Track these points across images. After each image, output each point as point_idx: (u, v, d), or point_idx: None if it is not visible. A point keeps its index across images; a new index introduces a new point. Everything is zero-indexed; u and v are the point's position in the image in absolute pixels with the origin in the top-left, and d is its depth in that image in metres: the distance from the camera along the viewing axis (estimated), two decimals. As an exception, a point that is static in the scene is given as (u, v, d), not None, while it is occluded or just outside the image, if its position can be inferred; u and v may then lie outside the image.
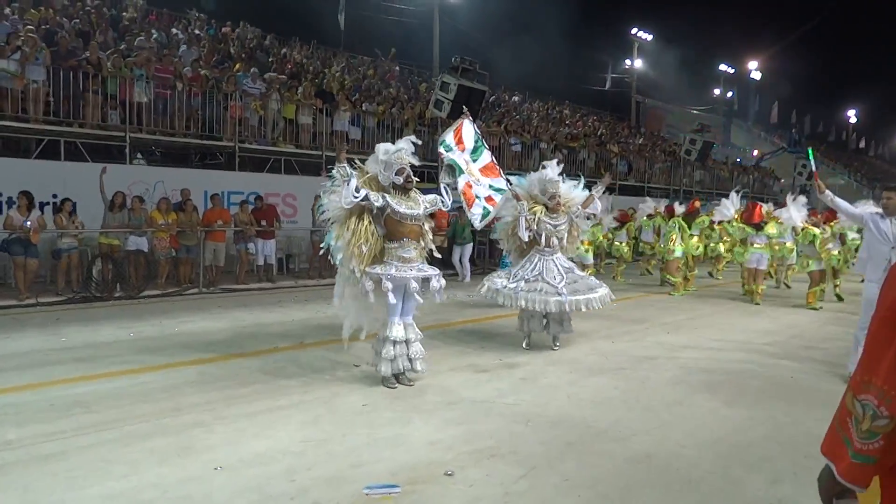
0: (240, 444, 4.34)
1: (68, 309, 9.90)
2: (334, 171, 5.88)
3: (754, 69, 48.53)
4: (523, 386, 6.01)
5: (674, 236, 12.98)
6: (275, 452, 4.22)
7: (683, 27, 43.54)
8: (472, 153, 7.38)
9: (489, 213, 7.31)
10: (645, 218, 15.34)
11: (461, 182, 7.10)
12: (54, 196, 11.93)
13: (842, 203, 6.87)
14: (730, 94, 47.87)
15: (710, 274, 16.03)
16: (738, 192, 13.63)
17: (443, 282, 6.08)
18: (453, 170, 7.13)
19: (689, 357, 7.36)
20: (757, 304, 11.71)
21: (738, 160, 39.77)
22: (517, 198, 7.49)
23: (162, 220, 11.78)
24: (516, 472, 4.04)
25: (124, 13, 19.16)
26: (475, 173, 7.26)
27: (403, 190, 5.94)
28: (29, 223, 10.37)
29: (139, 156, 16.11)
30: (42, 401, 5.15)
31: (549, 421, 5.02)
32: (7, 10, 14.89)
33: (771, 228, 11.77)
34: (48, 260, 11.32)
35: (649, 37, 39.61)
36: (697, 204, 14.36)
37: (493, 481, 3.90)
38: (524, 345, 7.64)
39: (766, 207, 12.41)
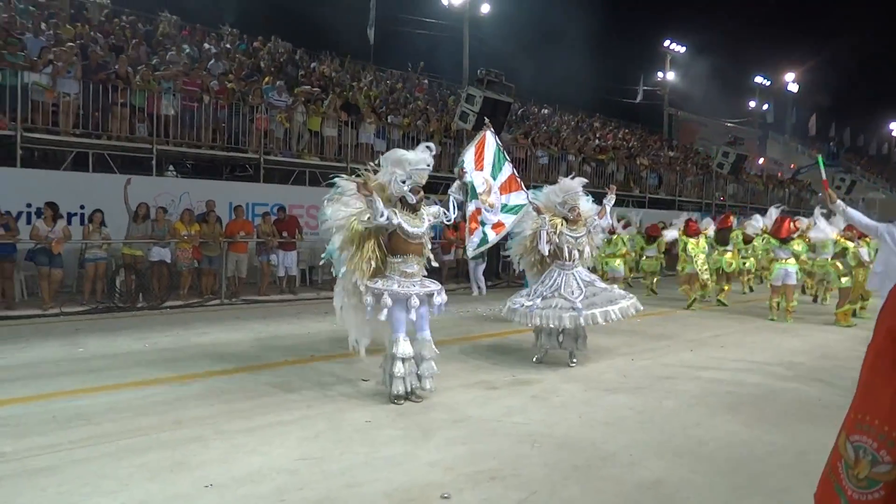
0: (234, 461, 4.25)
1: (91, 319, 9.98)
2: (336, 180, 5.80)
3: (791, 81, 47.65)
4: (534, 404, 5.83)
5: (701, 255, 12.74)
6: (269, 470, 4.11)
7: (717, 39, 42.88)
8: (493, 169, 7.25)
9: (486, 241, 7.14)
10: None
11: (471, 206, 6.92)
12: (82, 207, 12.12)
13: (854, 214, 6.57)
14: (765, 106, 47.00)
15: (750, 289, 15.63)
16: (777, 207, 13.33)
17: (444, 297, 5.97)
18: (467, 190, 6.98)
19: (711, 377, 7.09)
20: (787, 321, 11.32)
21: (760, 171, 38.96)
22: (538, 210, 7.35)
23: (185, 231, 11.86)
24: (515, 496, 3.87)
25: (158, 28, 19.53)
26: (491, 198, 7.12)
27: (412, 207, 5.82)
28: (54, 234, 10.52)
29: (171, 168, 16.37)
30: (45, 412, 5.13)
31: (556, 442, 4.83)
32: (43, 26, 15.25)
33: (796, 245, 11.41)
34: (75, 270, 11.47)
35: (682, 49, 39.17)
36: (732, 219, 14.00)
37: (490, 506, 3.74)
38: (534, 359, 7.48)
39: (803, 223, 12.04)
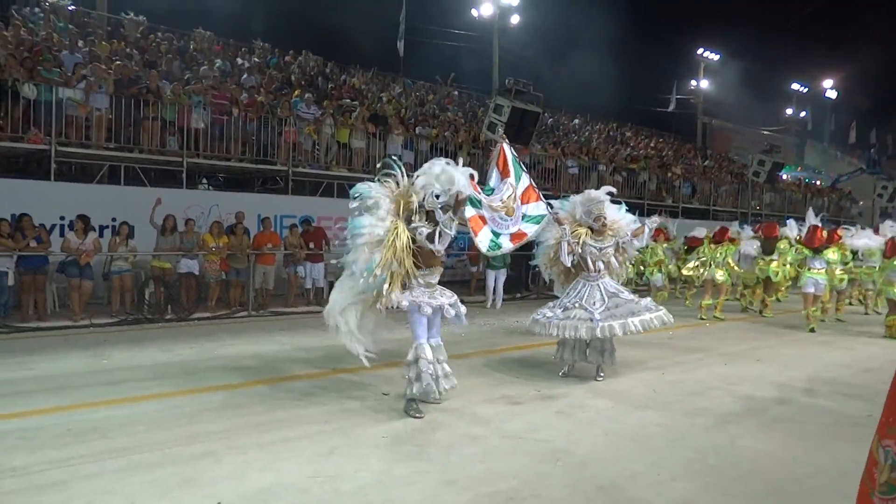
0: (245, 478, 4.13)
1: (119, 331, 10.03)
2: (363, 189, 5.65)
3: (829, 87, 46.55)
4: (558, 420, 5.63)
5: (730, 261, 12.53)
6: (278, 488, 3.99)
7: (752, 46, 42.00)
8: (514, 179, 7.09)
9: (498, 248, 6.92)
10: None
11: (471, 212, 6.62)
12: (114, 220, 12.24)
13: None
14: (803, 113, 45.96)
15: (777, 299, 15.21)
16: (816, 214, 12.99)
17: (463, 308, 5.96)
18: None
19: (746, 392, 6.80)
20: (811, 330, 11.09)
21: (808, 180, 38.04)
22: (559, 222, 7.19)
23: (213, 243, 11.90)
24: (535, 518, 3.69)
25: (192, 43, 19.83)
26: (509, 204, 6.92)
27: (436, 221, 5.69)
28: (84, 246, 10.63)
29: (204, 181, 16.56)
30: (61, 425, 5.09)
31: (580, 460, 4.63)
32: (80, 43, 15.56)
33: (831, 253, 11.07)
34: (105, 282, 11.58)
35: (716, 56, 38.55)
36: (778, 229, 13.60)
37: (506, 529, 3.56)
38: (560, 373, 7.29)
39: (850, 231, 11.75)
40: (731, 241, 12.91)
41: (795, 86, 45.11)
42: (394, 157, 5.98)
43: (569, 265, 7.17)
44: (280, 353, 8.34)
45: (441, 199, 5.57)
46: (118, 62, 14.22)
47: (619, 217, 7.50)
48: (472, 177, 5.87)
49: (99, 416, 5.37)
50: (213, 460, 4.42)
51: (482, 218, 6.54)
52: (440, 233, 5.62)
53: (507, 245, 6.84)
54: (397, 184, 5.81)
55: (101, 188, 12.82)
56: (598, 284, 7.07)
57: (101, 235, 11.69)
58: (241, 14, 24.73)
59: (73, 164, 13.53)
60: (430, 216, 5.69)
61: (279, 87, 17.68)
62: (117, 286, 11.10)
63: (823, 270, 11.21)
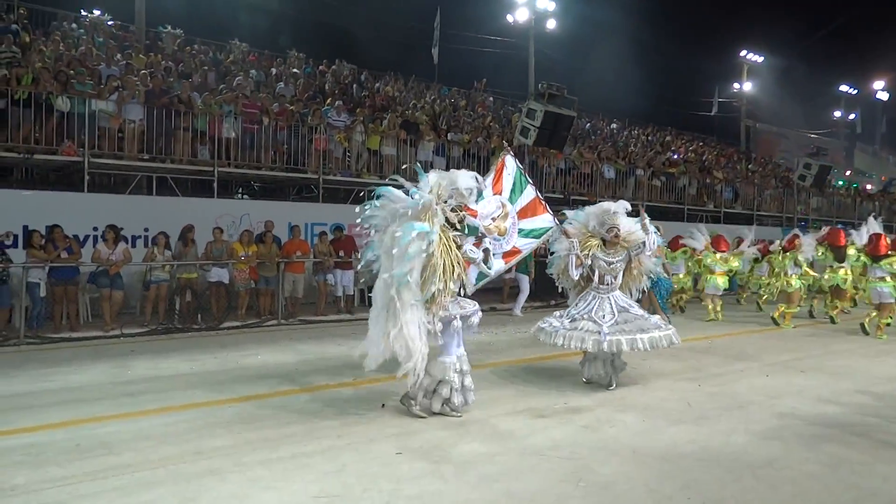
0: (247, 498, 3.95)
1: (148, 341, 10.01)
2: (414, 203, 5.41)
3: (881, 88, 44.93)
4: (584, 436, 5.32)
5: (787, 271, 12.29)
6: (280, 509, 3.79)
7: (797, 47, 40.78)
8: (511, 193, 6.89)
9: (488, 273, 6.69)
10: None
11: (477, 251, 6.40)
12: (146, 230, 12.33)
13: None
14: (852, 115, 44.43)
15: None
16: (875, 216, 12.56)
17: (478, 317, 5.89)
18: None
19: (789, 407, 6.37)
20: (881, 338, 10.65)
21: (855, 185, 36.70)
22: (566, 234, 7.03)
23: (242, 251, 11.86)
24: (550, 546, 3.41)
25: (230, 55, 20.01)
26: (506, 223, 6.70)
27: (453, 226, 5.63)
28: (115, 256, 10.68)
29: (239, 190, 16.65)
30: (70, 440, 4.98)
31: (604, 481, 4.32)
32: (118, 56, 15.78)
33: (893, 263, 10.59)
34: (138, 291, 11.63)
35: (759, 58, 37.51)
36: (845, 237, 13.07)
37: (518, 558, 3.29)
38: (583, 379, 7.11)
39: None
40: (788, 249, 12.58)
41: (844, 87, 43.63)
42: (417, 165, 5.86)
43: (576, 278, 7.01)
44: (303, 363, 8.18)
45: (450, 203, 5.55)
46: (150, 73, 14.33)
47: (634, 229, 7.21)
48: (476, 180, 5.77)
49: (109, 430, 5.26)
50: (217, 479, 4.24)
51: (478, 244, 6.28)
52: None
53: (499, 266, 6.66)
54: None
55: (133, 199, 12.93)
56: (608, 297, 6.89)
57: (133, 246, 11.78)
58: (276, 25, 24.99)
59: (106, 175, 13.67)
60: (449, 223, 5.63)
61: (312, 96, 17.70)
62: (152, 296, 11.13)
63: (886, 278, 10.92)
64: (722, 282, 13.25)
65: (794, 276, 12.30)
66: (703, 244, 13.50)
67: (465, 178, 5.70)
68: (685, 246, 14.14)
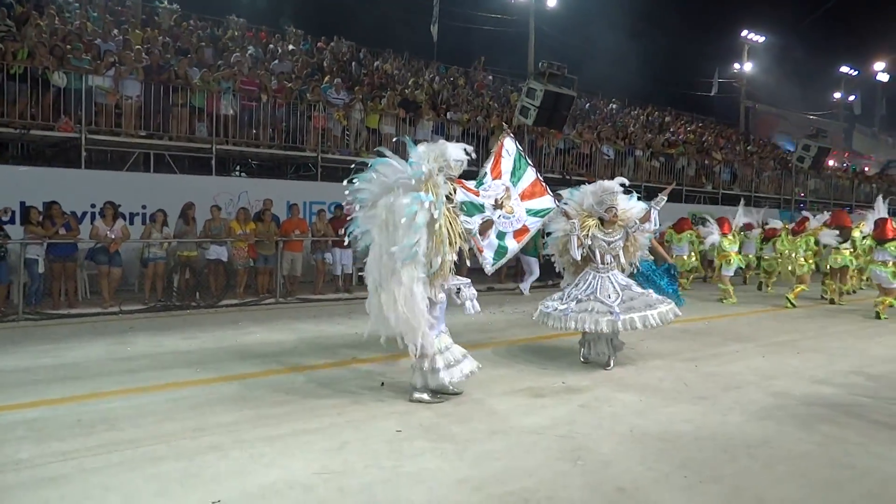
0: (249, 474, 3.98)
1: (147, 318, 10.03)
2: (415, 172, 5.28)
3: (881, 70, 44.69)
4: (582, 415, 5.37)
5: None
6: (283, 486, 3.82)
7: (799, 27, 40.46)
8: (512, 175, 6.86)
9: (506, 251, 6.69)
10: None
11: (475, 221, 6.30)
12: (144, 207, 12.30)
13: None
14: (852, 97, 44.25)
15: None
16: (884, 199, 12.83)
17: (471, 292, 5.86)
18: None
19: (784, 387, 6.43)
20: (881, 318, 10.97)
21: (853, 167, 36.63)
22: (567, 216, 7.04)
23: (240, 230, 11.85)
24: (549, 523, 3.46)
25: (227, 32, 19.81)
26: (511, 203, 6.69)
27: (449, 198, 5.54)
28: (112, 233, 10.66)
29: (237, 168, 16.57)
30: (71, 415, 5.01)
31: (602, 459, 4.37)
32: (115, 31, 15.61)
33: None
34: (136, 269, 11.63)
35: (760, 38, 37.25)
36: (849, 220, 13.33)
37: (517, 534, 3.34)
38: (581, 359, 7.17)
39: None
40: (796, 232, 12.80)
41: (844, 69, 43.38)
42: (406, 138, 5.73)
43: (579, 259, 6.98)
44: (302, 342, 8.20)
45: (441, 175, 5.44)
46: (147, 49, 14.20)
47: (630, 206, 7.22)
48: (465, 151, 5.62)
49: (111, 406, 5.29)
50: (219, 454, 4.28)
51: (489, 224, 6.22)
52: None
53: (513, 245, 6.65)
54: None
55: (130, 176, 12.87)
56: (608, 277, 6.89)
57: (131, 223, 11.76)
58: (274, 1, 24.67)
59: (103, 151, 13.59)
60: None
61: (310, 73, 17.57)
62: (151, 273, 11.13)
63: (888, 262, 11.17)
64: (735, 261, 13.49)
65: (807, 256, 12.52)
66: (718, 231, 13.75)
67: (454, 150, 5.56)
68: (692, 229, 14.54)
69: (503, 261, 6.90)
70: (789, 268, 12.77)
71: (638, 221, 6.98)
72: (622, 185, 7.12)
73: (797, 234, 12.68)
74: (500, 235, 6.53)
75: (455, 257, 5.55)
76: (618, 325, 6.49)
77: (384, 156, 5.44)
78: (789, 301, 12.41)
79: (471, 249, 5.80)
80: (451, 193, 5.54)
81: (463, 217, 5.67)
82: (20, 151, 13.57)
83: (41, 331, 8.74)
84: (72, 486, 3.79)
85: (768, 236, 14.43)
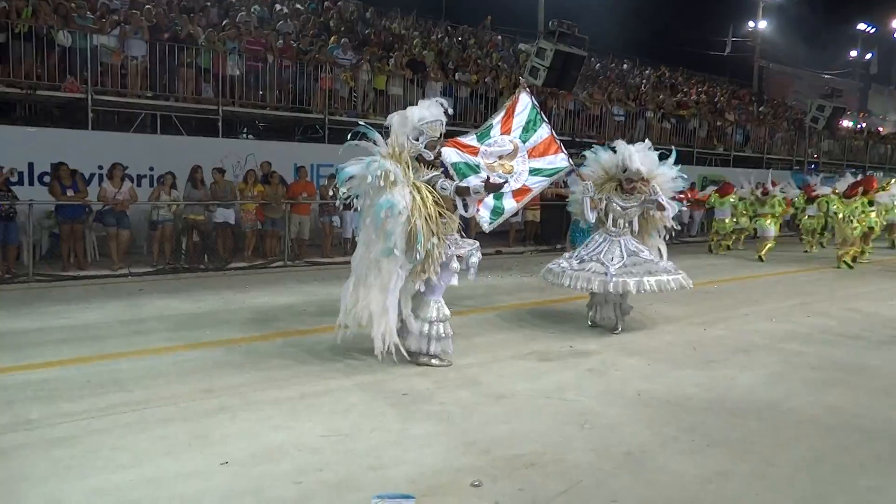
0: (257, 436, 4.01)
1: (156, 280, 10.06)
2: (376, 168, 5.17)
3: (900, 26, 43.61)
4: (589, 379, 5.36)
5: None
6: (290, 447, 3.84)
7: (816, -17, 39.46)
8: (523, 132, 6.70)
9: (502, 211, 6.55)
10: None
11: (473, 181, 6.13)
12: (151, 168, 12.25)
13: None
14: (868, 55, 43.27)
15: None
16: (882, 162, 13.04)
17: (476, 257, 5.74)
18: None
19: (794, 349, 6.42)
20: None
21: (860, 125, 35.95)
22: (581, 177, 6.95)
23: (248, 192, 11.80)
24: (556, 486, 3.46)
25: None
26: (513, 162, 6.56)
27: (431, 164, 5.49)
28: (121, 195, 10.64)
29: (245, 130, 16.42)
30: (81, 376, 5.04)
31: (609, 423, 4.37)
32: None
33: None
34: (145, 231, 11.63)
35: (776, -5, 36.32)
36: (875, 182, 13.74)
37: (524, 498, 3.34)
38: (589, 323, 7.15)
39: None
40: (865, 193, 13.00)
41: (861, 26, 42.38)
42: (364, 124, 5.55)
43: (592, 221, 6.90)
44: (310, 305, 8.21)
45: (421, 140, 5.37)
46: (153, 7, 13.99)
47: (659, 172, 7.01)
48: (442, 106, 5.49)
49: (120, 367, 5.32)
50: (228, 416, 4.31)
51: (466, 191, 6.08)
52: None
53: (511, 205, 6.52)
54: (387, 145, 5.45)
55: (137, 137, 12.81)
56: (619, 241, 6.79)
57: (138, 185, 11.72)
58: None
59: (110, 112, 13.48)
60: (422, 161, 5.48)
61: (317, 33, 17.29)
62: (159, 236, 11.14)
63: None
64: (769, 223, 13.73)
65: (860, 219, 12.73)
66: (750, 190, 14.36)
67: (419, 111, 5.37)
68: (734, 192, 14.82)
69: (500, 220, 6.78)
70: (847, 231, 12.86)
71: (654, 203, 6.74)
72: (650, 146, 6.98)
73: (850, 197, 12.81)
74: (498, 196, 6.38)
75: (449, 230, 5.51)
76: (608, 285, 6.40)
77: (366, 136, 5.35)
78: (847, 263, 12.64)
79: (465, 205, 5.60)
80: (436, 157, 5.48)
81: (441, 184, 5.38)
82: (27, 112, 13.50)
83: (51, 292, 8.79)
84: (82, 445, 3.82)
85: (811, 198, 14.90)
